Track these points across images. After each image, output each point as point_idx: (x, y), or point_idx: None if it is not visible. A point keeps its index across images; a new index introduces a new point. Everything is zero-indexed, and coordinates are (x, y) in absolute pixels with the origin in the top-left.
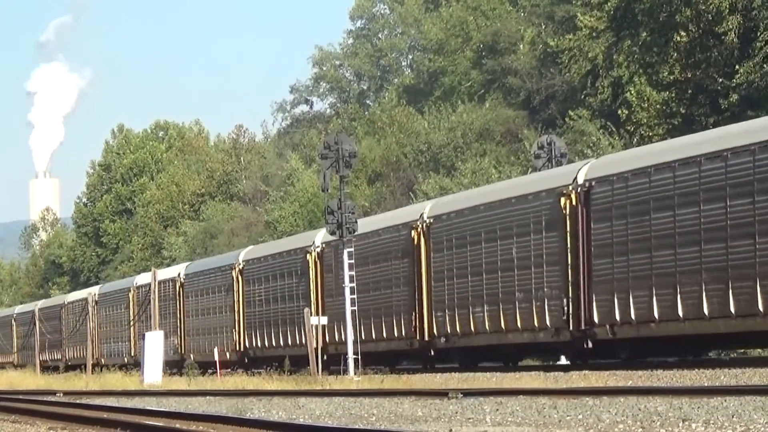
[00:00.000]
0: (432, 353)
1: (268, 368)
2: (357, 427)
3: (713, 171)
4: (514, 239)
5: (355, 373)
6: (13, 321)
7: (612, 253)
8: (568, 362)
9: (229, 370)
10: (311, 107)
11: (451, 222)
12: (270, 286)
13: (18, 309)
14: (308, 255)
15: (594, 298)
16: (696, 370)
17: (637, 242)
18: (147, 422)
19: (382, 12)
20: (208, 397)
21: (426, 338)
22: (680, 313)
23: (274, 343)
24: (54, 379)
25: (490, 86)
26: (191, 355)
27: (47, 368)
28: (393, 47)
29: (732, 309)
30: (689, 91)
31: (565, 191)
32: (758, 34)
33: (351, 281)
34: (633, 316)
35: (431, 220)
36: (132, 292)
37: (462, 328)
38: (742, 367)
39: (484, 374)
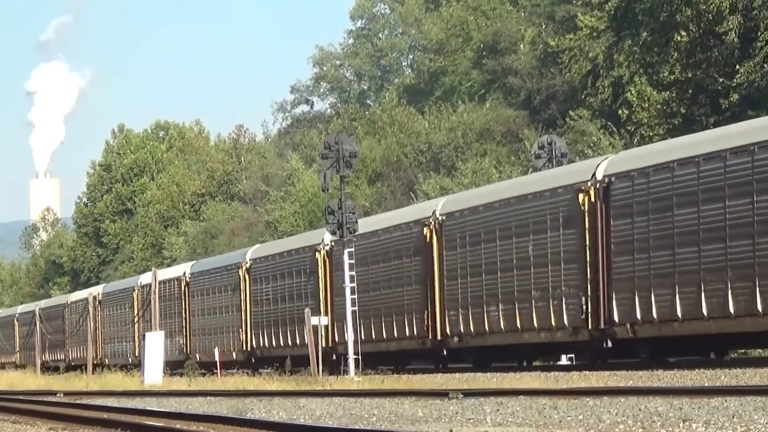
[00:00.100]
0: (444, 353)
1: (276, 368)
2: (357, 427)
3: (739, 166)
4: (530, 236)
5: (355, 374)
6: (15, 321)
7: (633, 250)
8: (569, 362)
9: (235, 370)
10: (311, 107)
11: (465, 219)
12: (278, 284)
13: (20, 309)
14: (317, 253)
15: (614, 297)
16: (696, 370)
17: (659, 239)
18: (147, 422)
19: (382, 12)
20: (208, 398)
21: (438, 338)
22: (704, 311)
23: (281, 343)
24: (54, 379)
25: (490, 86)
26: (197, 355)
27: (50, 368)
28: (393, 47)
29: (759, 307)
30: (690, 91)
31: (583, 187)
32: (758, 33)
33: (351, 281)
34: (655, 315)
35: (444, 218)
36: (136, 291)
37: (476, 327)
38: (742, 367)
39: (484, 374)
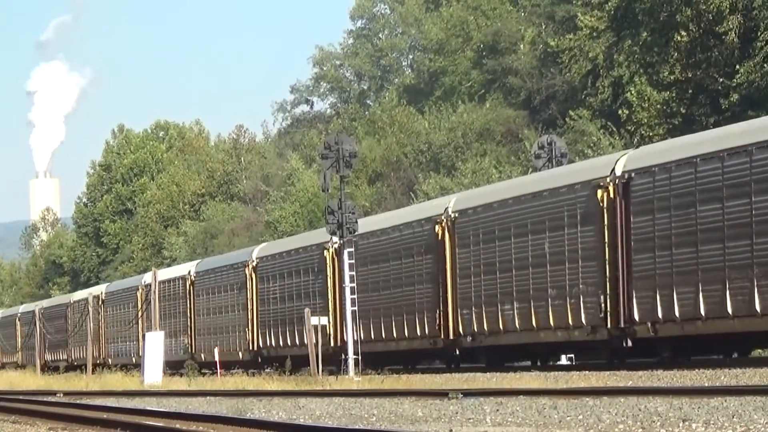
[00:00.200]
0: (457, 352)
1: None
2: (357, 427)
3: (765, 161)
4: (546, 234)
5: (355, 374)
6: (17, 320)
7: (654, 247)
8: (569, 362)
9: (241, 370)
10: (311, 107)
11: (479, 216)
12: (285, 283)
13: (22, 308)
14: (326, 251)
15: (634, 295)
16: (696, 370)
17: (681, 236)
18: (147, 422)
19: (382, 12)
20: (208, 398)
21: (451, 337)
22: (729, 309)
23: (289, 342)
24: (54, 379)
25: (490, 86)
26: (201, 355)
27: (52, 368)
28: (393, 47)
29: None
30: (690, 91)
31: (602, 183)
32: (758, 33)
33: (351, 281)
34: (677, 313)
35: (456, 215)
36: (140, 290)
37: (490, 326)
38: (742, 367)
39: (484, 374)
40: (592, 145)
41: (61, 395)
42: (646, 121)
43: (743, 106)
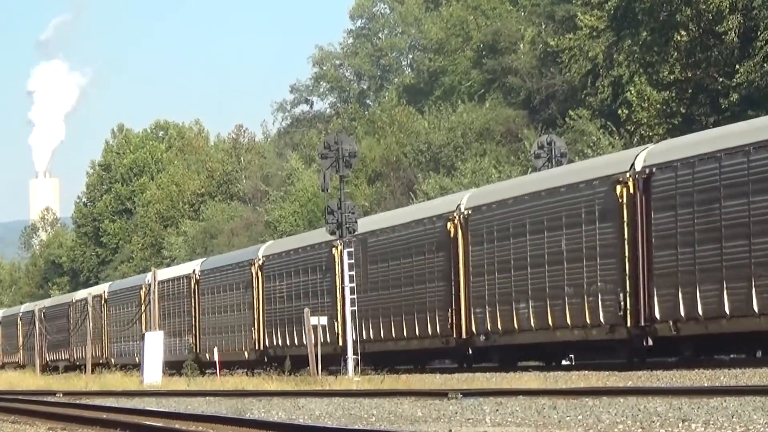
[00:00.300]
0: (470, 352)
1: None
2: (356, 427)
3: None
4: (563, 230)
5: (354, 374)
6: (18, 320)
7: (676, 244)
8: (568, 362)
9: (245, 370)
10: (311, 107)
11: (493, 213)
12: (292, 282)
13: (23, 308)
14: (334, 249)
15: (655, 293)
16: (696, 370)
17: (705, 232)
18: (146, 422)
19: (382, 11)
20: (207, 398)
21: (463, 336)
22: (755, 307)
23: (296, 342)
24: (54, 379)
25: (490, 86)
26: (207, 354)
27: (53, 368)
28: (393, 47)
29: None
30: (689, 91)
31: (621, 179)
32: (758, 33)
33: (351, 281)
34: (700, 312)
35: (470, 212)
36: (143, 289)
37: (504, 325)
38: (742, 367)
39: (483, 374)
40: (591, 144)
41: (61, 395)
42: (645, 120)
43: (743, 106)
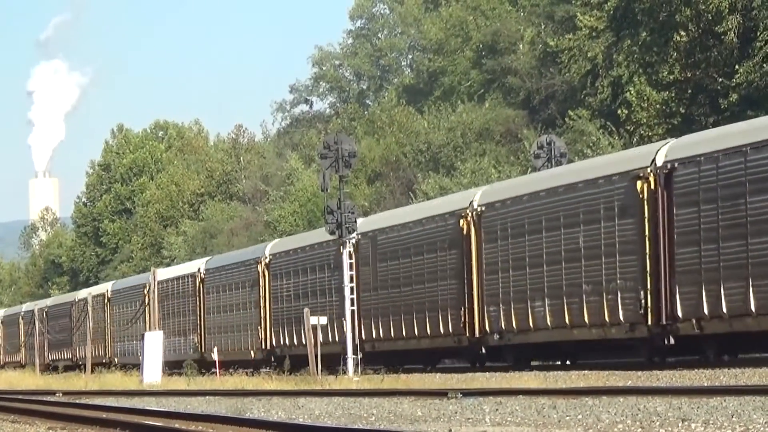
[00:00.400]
0: (483, 351)
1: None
2: (356, 427)
3: None
4: (581, 227)
5: (354, 373)
6: (20, 319)
7: (699, 240)
8: (568, 362)
9: (251, 370)
10: (311, 107)
11: (507, 210)
12: (300, 280)
13: (25, 307)
14: (342, 247)
15: (677, 290)
16: (696, 370)
17: (730, 228)
18: (146, 422)
19: (381, 12)
20: (207, 397)
21: (476, 335)
22: None
23: (303, 341)
24: (53, 379)
25: (489, 86)
26: (212, 354)
27: (55, 368)
28: (393, 47)
29: None
30: (689, 91)
31: (642, 174)
32: (758, 33)
33: (351, 281)
34: (725, 310)
35: (483, 208)
36: (147, 288)
37: (519, 323)
38: (741, 367)
39: (483, 374)
40: (591, 145)
41: (60, 395)
42: (645, 121)
43: (743, 106)
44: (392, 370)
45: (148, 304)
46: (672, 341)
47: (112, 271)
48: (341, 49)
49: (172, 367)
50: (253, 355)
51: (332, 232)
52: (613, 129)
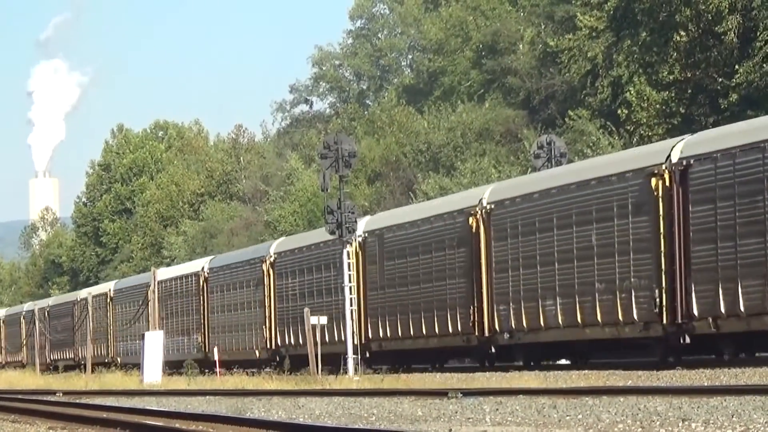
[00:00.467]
0: (492, 350)
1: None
2: (357, 426)
3: None
4: (593, 225)
5: (355, 373)
6: (21, 319)
7: (715, 238)
8: (568, 362)
9: (256, 370)
10: (311, 107)
11: (517, 207)
12: (305, 279)
13: (26, 307)
14: (348, 245)
15: (693, 289)
16: (696, 370)
17: (747, 225)
18: (146, 422)
19: (381, 12)
20: (207, 397)
21: (486, 334)
22: None
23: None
24: (54, 378)
25: (489, 86)
26: (213, 354)
27: (57, 367)
28: (393, 47)
29: None
30: (689, 91)
31: (656, 171)
32: (758, 33)
33: (350, 281)
34: (742, 308)
35: (492, 206)
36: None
37: (529, 322)
38: (742, 366)
39: (483, 374)
40: (591, 145)
41: (61, 395)
42: (645, 121)
43: (742, 106)
44: (395, 369)
45: (159, 301)
46: (687, 340)
47: (112, 271)
48: (341, 49)
49: (176, 366)
50: (257, 354)
51: (332, 232)
52: (613, 129)
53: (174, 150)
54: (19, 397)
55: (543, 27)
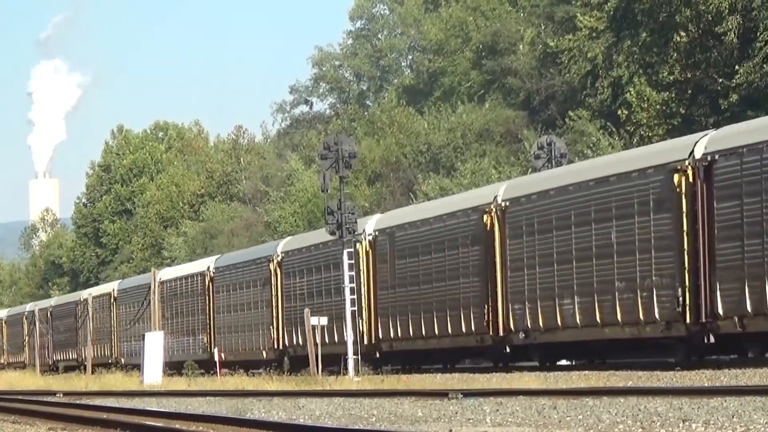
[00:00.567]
0: (507, 350)
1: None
2: (357, 427)
3: None
4: (613, 222)
5: (355, 374)
6: (24, 319)
7: (742, 235)
8: (568, 362)
9: (263, 370)
10: (311, 108)
11: (533, 204)
12: (313, 278)
13: (29, 307)
14: (358, 244)
15: (718, 287)
16: (696, 370)
17: None
18: (147, 423)
19: (381, 12)
20: (207, 398)
21: (500, 334)
22: None
23: (318, 341)
24: (54, 379)
25: (489, 87)
26: (222, 354)
27: (55, 368)
28: (393, 48)
29: None
30: (689, 92)
31: (679, 167)
32: (758, 34)
33: (351, 281)
34: None
35: (507, 203)
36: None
37: (546, 322)
38: (742, 367)
39: (483, 375)
40: (591, 145)
41: (61, 395)
42: (645, 121)
43: (743, 107)
44: (407, 371)
45: (164, 301)
46: (712, 340)
47: (113, 272)
48: (341, 49)
49: (180, 367)
50: (264, 355)
51: (332, 233)
52: (614, 129)
53: (174, 151)
54: (19, 397)
55: (543, 27)
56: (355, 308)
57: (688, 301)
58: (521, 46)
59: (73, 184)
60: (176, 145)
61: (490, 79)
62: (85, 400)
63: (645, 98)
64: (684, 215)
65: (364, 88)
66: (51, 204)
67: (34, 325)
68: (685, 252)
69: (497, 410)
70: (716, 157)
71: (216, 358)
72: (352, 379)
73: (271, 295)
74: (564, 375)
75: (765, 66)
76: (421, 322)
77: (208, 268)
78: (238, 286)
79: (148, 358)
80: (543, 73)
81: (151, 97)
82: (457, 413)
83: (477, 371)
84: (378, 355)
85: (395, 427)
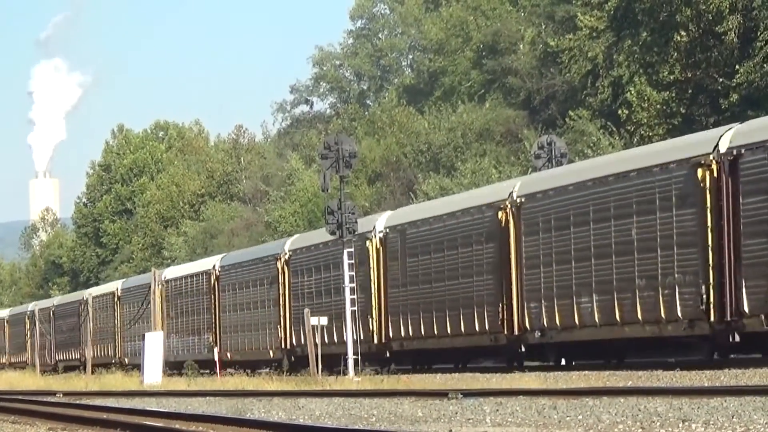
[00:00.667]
0: (522, 349)
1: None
2: (357, 427)
3: None
4: (634, 218)
5: (355, 374)
6: (26, 319)
7: None
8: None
9: (268, 369)
10: (311, 107)
11: (550, 201)
12: (321, 277)
13: (31, 307)
14: (368, 242)
15: (743, 284)
16: (696, 370)
17: None
18: (147, 423)
19: (382, 12)
20: (207, 398)
21: (515, 332)
22: None
23: (326, 340)
24: (54, 379)
25: (490, 86)
26: (228, 354)
27: (55, 368)
28: (393, 47)
29: None
30: (689, 91)
31: (703, 161)
32: (758, 33)
33: (351, 281)
34: None
35: (523, 200)
36: (160, 286)
37: (563, 320)
38: (742, 367)
39: (483, 375)
40: (591, 145)
41: (61, 395)
42: (645, 121)
43: (743, 106)
44: (418, 370)
45: (168, 300)
46: (737, 338)
47: (113, 272)
48: (342, 49)
49: (182, 367)
50: (271, 354)
51: (333, 233)
52: (614, 129)
53: (174, 150)
54: (19, 398)
55: (543, 27)
56: (356, 308)
57: (712, 299)
58: (522, 46)
59: (74, 183)
60: (176, 144)
61: (490, 78)
62: (85, 400)
63: (645, 98)
64: (708, 211)
65: (365, 87)
66: (51, 204)
67: (32, 325)
68: (710, 248)
69: (497, 410)
70: (742, 151)
71: (216, 358)
72: (352, 379)
73: (279, 293)
74: (564, 375)
75: (765, 65)
76: (433, 320)
77: (214, 266)
78: (245, 284)
79: (148, 358)
80: (543, 72)
81: (151, 97)
82: (457, 413)
83: (477, 371)
84: (388, 355)
85: (395, 427)
